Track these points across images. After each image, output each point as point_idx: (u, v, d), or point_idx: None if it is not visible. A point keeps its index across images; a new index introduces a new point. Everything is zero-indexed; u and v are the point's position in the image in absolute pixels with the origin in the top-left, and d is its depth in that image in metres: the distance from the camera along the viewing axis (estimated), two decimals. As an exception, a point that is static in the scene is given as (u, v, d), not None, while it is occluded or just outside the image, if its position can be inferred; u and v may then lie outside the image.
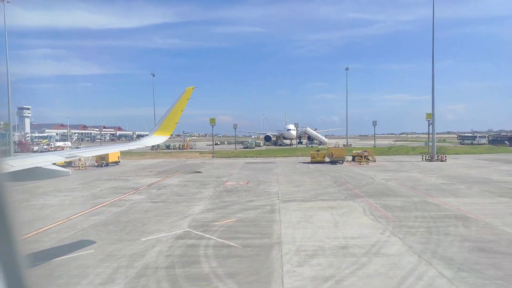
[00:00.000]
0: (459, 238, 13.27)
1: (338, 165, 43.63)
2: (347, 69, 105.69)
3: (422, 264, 10.70)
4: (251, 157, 60.59)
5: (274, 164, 46.93)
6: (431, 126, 54.18)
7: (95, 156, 40.20)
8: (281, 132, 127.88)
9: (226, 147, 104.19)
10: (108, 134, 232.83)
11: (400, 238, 13.35)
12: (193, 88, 12.13)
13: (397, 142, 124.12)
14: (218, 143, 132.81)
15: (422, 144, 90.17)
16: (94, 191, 26.11)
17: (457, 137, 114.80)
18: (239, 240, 13.40)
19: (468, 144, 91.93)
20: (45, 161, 8.07)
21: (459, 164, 41.93)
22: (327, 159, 47.98)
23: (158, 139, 11.98)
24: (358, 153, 47.94)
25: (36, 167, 7.52)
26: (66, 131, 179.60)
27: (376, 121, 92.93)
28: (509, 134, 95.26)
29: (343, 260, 11.18)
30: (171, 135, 13.33)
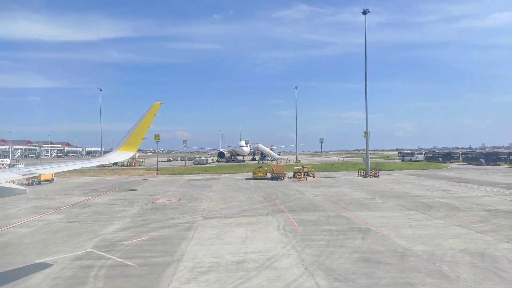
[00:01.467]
0: (351, 250, 14.16)
1: (278, 181, 44.61)
2: (296, 87, 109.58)
3: (304, 276, 11.30)
4: (197, 173, 60.20)
5: (216, 181, 47.00)
6: (360, 143, 57.40)
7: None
8: (235, 148, 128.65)
9: (178, 163, 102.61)
10: (55, 150, 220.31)
11: (297, 251, 13.98)
12: (160, 104, 11.72)
13: (345, 158, 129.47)
14: (171, 159, 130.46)
15: (382, 160, 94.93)
16: (11, 211, 24.61)
17: (398, 154, 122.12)
18: (139, 259, 13.32)
19: (408, 161, 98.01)
20: (0, 178, 7.58)
21: (388, 180, 44.59)
22: (268, 175, 48.99)
23: (123, 155, 11.45)
24: (299, 170, 49.37)
25: None
26: (7, 147, 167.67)
27: (323, 138, 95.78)
28: (442, 151, 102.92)
29: (232, 275, 11.50)
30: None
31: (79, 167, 11.12)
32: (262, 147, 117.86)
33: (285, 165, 58.50)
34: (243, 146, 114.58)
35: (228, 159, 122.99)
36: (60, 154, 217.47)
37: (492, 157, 74.40)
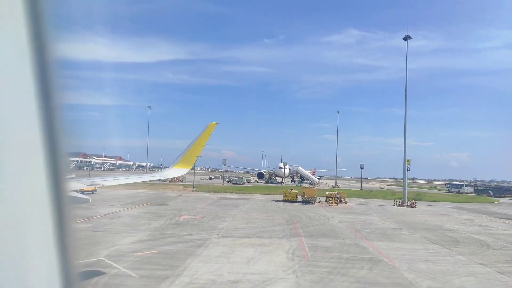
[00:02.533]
0: (353, 279, 13.81)
1: (308, 205, 44.08)
2: (338, 111, 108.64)
3: (293, 301, 11.26)
4: (230, 192, 61.06)
5: (246, 200, 47.41)
6: (408, 172, 55.15)
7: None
8: (274, 170, 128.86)
9: (218, 181, 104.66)
10: (108, 163, 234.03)
11: (296, 276, 13.90)
12: (216, 123, 12.42)
13: (389, 186, 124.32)
14: (213, 177, 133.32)
15: (411, 189, 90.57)
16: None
17: (445, 185, 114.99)
18: (142, 271, 13.99)
19: (456, 193, 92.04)
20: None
21: (425, 211, 42.29)
22: (299, 199, 48.55)
23: (178, 171, 12.42)
24: (331, 194, 48.47)
25: None
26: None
27: (363, 164, 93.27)
28: (493, 185, 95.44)
29: (223, 293, 11.75)
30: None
31: (138, 180, 12.12)
32: (301, 169, 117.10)
33: (321, 189, 57.64)
34: (281, 168, 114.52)
35: (267, 180, 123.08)
36: (112, 167, 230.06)
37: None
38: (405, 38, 48.62)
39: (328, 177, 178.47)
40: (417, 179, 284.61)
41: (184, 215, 30.70)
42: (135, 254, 16.58)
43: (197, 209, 35.75)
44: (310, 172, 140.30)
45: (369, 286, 13.07)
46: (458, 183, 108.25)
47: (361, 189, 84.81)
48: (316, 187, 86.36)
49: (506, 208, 51.13)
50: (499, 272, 15.58)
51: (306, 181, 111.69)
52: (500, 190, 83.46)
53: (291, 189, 52.00)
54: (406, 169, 50.94)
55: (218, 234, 22.24)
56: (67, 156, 1.72)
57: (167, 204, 39.00)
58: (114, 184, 12.14)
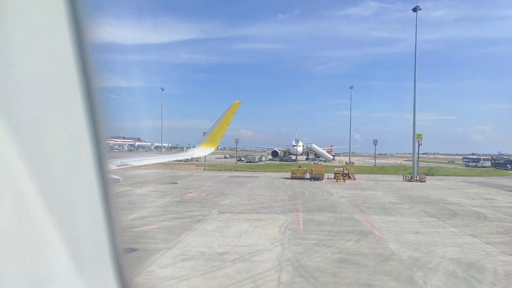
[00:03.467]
0: (336, 250, 14.35)
1: (316, 182, 44.56)
2: (351, 87, 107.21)
3: (272, 270, 11.92)
4: (241, 171, 62.07)
5: (255, 178, 48.24)
6: (420, 146, 54.60)
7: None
8: (288, 148, 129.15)
9: (233, 160, 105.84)
10: (127, 145, 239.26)
11: (283, 248, 14.54)
12: (239, 102, 12.59)
13: (407, 162, 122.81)
14: (228, 156, 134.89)
15: (425, 164, 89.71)
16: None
17: (462, 159, 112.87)
18: (137, 244, 14.87)
19: (473, 167, 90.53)
20: None
21: (433, 185, 42.12)
22: (308, 176, 49.01)
23: (205, 150, 12.92)
24: (339, 171, 48.68)
25: None
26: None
27: (376, 140, 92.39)
28: (509, 158, 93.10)
29: (208, 264, 12.50)
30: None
31: (165, 160, 12.75)
32: (315, 147, 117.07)
33: (333, 166, 57.86)
34: (295, 145, 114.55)
35: (281, 158, 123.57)
36: (131, 148, 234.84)
37: None
38: (414, 9, 47.05)
39: (346, 153, 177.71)
40: (438, 154, 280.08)
41: (190, 193, 31.72)
42: (133, 229, 17.55)
43: (204, 187, 36.76)
44: (327, 149, 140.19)
45: (350, 256, 13.58)
46: (475, 157, 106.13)
47: (374, 165, 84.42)
48: (331, 164, 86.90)
49: (520, 181, 50.22)
50: (486, 243, 15.80)
51: (320, 158, 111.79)
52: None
53: (300, 166, 52.37)
54: (415, 144, 50.41)
55: (218, 211, 23.07)
56: (107, 139, 1.76)
57: (176, 183, 40.20)
58: (143, 164, 12.60)
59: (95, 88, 1.64)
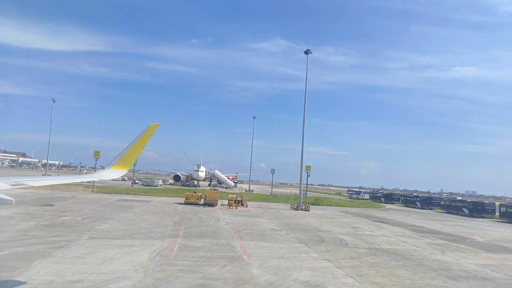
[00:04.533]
0: (199, 275, 14.49)
1: (209, 208, 44.67)
2: (254, 117, 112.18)
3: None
4: (134, 194, 58.92)
5: (146, 203, 46.27)
6: (309, 178, 59.37)
7: None
8: (191, 173, 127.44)
9: (129, 183, 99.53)
10: (8, 160, 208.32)
11: (145, 275, 14.15)
12: (158, 124, 11.57)
13: (305, 192, 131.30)
14: (126, 178, 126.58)
15: (316, 194, 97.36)
16: None
17: (347, 192, 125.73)
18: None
19: (355, 198, 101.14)
20: None
21: (315, 214, 45.79)
22: (202, 201, 48.95)
23: (115, 173, 11.07)
24: (233, 197, 49.78)
25: None
26: None
27: (274, 170, 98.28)
28: (385, 192, 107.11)
29: None
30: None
31: (69, 181, 11.02)
32: (218, 173, 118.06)
33: (233, 193, 58.77)
34: (198, 171, 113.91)
35: (184, 183, 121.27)
36: (13, 164, 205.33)
37: (426, 202, 78.27)
38: (306, 52, 52.27)
39: (252, 181, 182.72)
40: (331, 185, 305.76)
41: (64, 216, 28.93)
42: (-25, 256, 15.28)
43: (84, 210, 33.92)
44: (233, 176, 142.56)
45: (210, 281, 13.88)
46: (357, 190, 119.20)
47: (270, 193, 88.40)
48: (231, 191, 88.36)
49: (387, 213, 57.70)
50: (337, 267, 17.68)
51: (222, 185, 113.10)
52: (389, 197, 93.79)
53: (194, 192, 52.13)
54: (302, 175, 54.56)
55: (89, 236, 21.47)
56: None
57: (52, 205, 36.28)
58: (41, 184, 11.08)
59: None
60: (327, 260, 19.10)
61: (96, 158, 60.62)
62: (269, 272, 15.69)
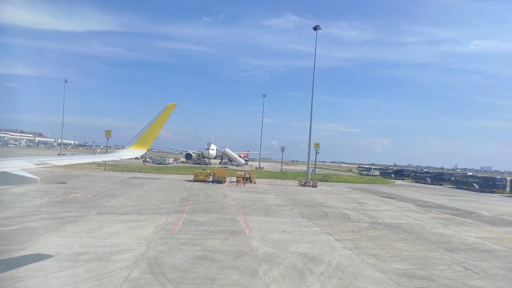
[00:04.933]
0: (200, 248, 14.99)
1: (217, 185, 45.37)
2: (264, 95, 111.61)
3: (125, 269, 12.01)
4: (145, 172, 60.12)
5: (156, 180, 47.25)
6: (320, 155, 59.41)
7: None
8: (202, 151, 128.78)
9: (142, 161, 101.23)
10: (25, 140, 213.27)
11: (148, 247, 14.70)
12: (175, 104, 11.93)
13: (314, 169, 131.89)
14: (139, 157, 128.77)
15: (326, 171, 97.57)
16: None
17: (357, 168, 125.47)
18: (-15, 245, 13.70)
19: (365, 175, 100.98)
20: (13, 166, 7.60)
21: (322, 190, 46.11)
22: (210, 178, 49.73)
23: (135, 152, 11.59)
24: (241, 175, 50.42)
25: (3, 171, 7.07)
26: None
27: (284, 147, 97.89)
28: (395, 168, 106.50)
29: (61, 264, 12.10)
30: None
31: (91, 161, 11.54)
32: (229, 151, 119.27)
33: (243, 170, 59.42)
34: (209, 149, 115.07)
35: (195, 161, 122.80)
36: (30, 144, 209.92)
37: (437, 177, 77.69)
38: (315, 28, 51.20)
39: (263, 159, 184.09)
40: (343, 162, 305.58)
41: (76, 193, 29.87)
42: (-12, 229, 16.06)
43: (95, 187, 34.91)
44: (245, 154, 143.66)
45: (210, 253, 14.36)
46: (368, 166, 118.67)
47: (280, 171, 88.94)
48: (242, 168, 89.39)
49: (396, 189, 57.68)
50: (336, 240, 18.01)
51: (233, 163, 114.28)
52: (399, 173, 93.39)
53: (203, 169, 52.91)
54: (310, 152, 54.57)
55: (98, 212, 22.21)
56: None
57: (65, 183, 37.40)
58: (64, 163, 11.66)
59: None
60: (328, 233, 19.44)
61: (108, 137, 61.77)
62: (269, 245, 16.11)
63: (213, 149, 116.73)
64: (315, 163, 69.54)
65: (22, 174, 7.59)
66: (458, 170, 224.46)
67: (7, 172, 7.21)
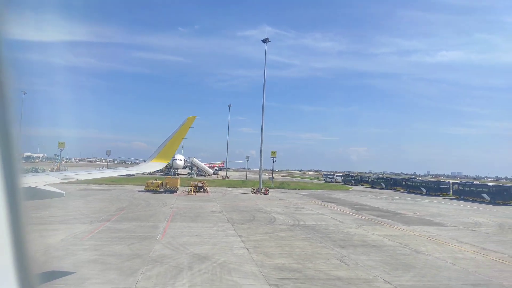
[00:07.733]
0: (98, 253, 15.64)
1: (168, 194, 45.82)
2: (229, 105, 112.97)
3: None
4: (100, 184, 59.55)
5: (106, 191, 47.05)
6: (274, 163, 60.84)
7: None
8: (171, 162, 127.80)
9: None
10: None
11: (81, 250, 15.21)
12: (194, 117, 12.24)
13: (284, 177, 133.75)
14: (102, 168, 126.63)
15: (293, 179, 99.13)
16: None
17: (322, 176, 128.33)
18: None
19: (329, 182, 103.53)
20: (39, 181, 7.54)
21: (271, 197, 47.34)
22: (162, 189, 50.02)
23: (155, 165, 11.86)
24: (193, 184, 51.06)
25: (30, 187, 7.03)
26: None
27: (248, 156, 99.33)
28: (355, 175, 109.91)
29: None
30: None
31: (114, 174, 11.90)
32: (196, 161, 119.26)
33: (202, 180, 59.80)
34: (176, 159, 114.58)
35: (164, 172, 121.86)
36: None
37: (390, 182, 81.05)
38: (264, 41, 52.94)
39: (241, 168, 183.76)
40: (320, 170, 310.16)
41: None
42: None
43: (34, 200, 34.57)
44: (219, 164, 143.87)
45: (105, 257, 15.03)
46: (331, 174, 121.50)
47: (245, 180, 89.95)
48: (209, 178, 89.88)
49: (346, 194, 59.73)
50: (242, 241, 19.06)
51: (201, 173, 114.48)
52: (360, 180, 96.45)
53: (155, 179, 53.19)
54: (261, 160, 56.43)
55: (19, 222, 22.32)
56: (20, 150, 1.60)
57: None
58: (89, 178, 11.93)
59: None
60: (239, 236, 20.46)
61: (61, 149, 61.01)
62: (170, 248, 16.94)
63: (181, 159, 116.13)
64: (272, 171, 71.06)
65: (49, 189, 7.70)
66: (429, 176, 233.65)
67: (34, 187, 7.26)
